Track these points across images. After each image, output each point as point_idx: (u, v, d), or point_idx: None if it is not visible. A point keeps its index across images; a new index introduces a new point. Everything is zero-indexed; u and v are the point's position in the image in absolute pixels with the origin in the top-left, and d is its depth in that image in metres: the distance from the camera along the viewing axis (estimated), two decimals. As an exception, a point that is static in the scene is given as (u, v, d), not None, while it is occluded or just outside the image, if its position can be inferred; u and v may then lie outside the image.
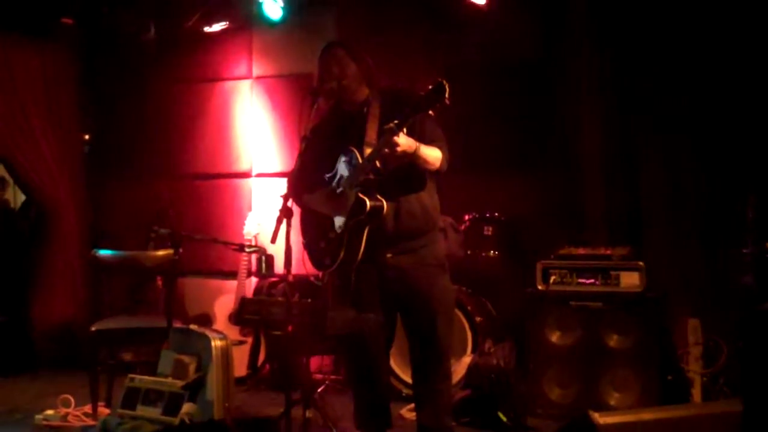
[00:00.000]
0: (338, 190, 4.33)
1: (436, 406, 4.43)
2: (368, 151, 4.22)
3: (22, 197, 8.19)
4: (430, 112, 3.93)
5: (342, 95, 4.40)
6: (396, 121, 3.97)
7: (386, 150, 4.02)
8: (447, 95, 3.81)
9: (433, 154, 4.24)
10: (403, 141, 4.03)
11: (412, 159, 4.16)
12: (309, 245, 4.52)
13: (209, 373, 4.73)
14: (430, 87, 3.85)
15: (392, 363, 5.52)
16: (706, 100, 5.67)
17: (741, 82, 5.53)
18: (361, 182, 4.20)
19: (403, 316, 4.49)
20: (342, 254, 4.25)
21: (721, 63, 5.59)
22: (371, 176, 4.18)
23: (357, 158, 4.25)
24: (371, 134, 4.28)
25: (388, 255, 4.31)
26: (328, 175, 4.42)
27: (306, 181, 4.38)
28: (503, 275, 6.16)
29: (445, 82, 3.82)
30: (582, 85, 6.16)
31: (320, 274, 4.61)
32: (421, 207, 4.34)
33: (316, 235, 4.44)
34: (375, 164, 4.15)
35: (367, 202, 4.15)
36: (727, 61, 5.57)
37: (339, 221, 4.29)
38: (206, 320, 6.70)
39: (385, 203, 4.20)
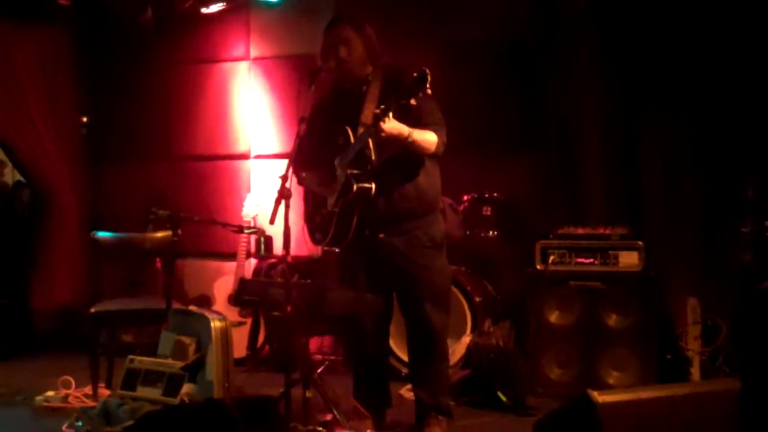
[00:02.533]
0: (330, 170, 4.34)
1: (433, 386, 4.46)
2: (361, 131, 4.23)
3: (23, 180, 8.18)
4: (412, 101, 3.91)
5: (345, 74, 4.39)
6: (382, 107, 3.98)
7: (372, 136, 4.03)
8: (428, 84, 3.80)
9: (427, 138, 4.23)
10: (390, 126, 4.01)
11: (405, 144, 4.15)
12: (306, 218, 4.57)
13: (209, 353, 4.74)
14: (414, 74, 3.85)
15: (391, 343, 5.54)
16: (705, 80, 5.65)
17: (740, 61, 5.51)
18: (350, 163, 4.21)
19: (397, 297, 4.50)
20: (331, 232, 4.29)
21: (720, 42, 5.57)
22: (361, 158, 4.18)
23: (350, 138, 4.25)
24: (367, 114, 4.28)
25: (381, 236, 4.32)
26: (325, 153, 4.42)
27: (305, 158, 4.38)
28: (502, 255, 6.17)
29: (428, 71, 3.81)
30: (581, 65, 6.14)
31: (315, 251, 4.66)
32: (416, 189, 4.34)
33: (314, 209, 4.50)
34: (364, 146, 4.14)
35: (354, 185, 4.17)
36: (726, 40, 5.54)
37: (331, 199, 4.31)
38: (205, 301, 6.71)
39: (373, 186, 4.19)
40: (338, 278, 4.55)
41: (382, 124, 3.96)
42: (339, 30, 4.39)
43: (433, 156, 4.34)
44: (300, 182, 4.57)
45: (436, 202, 4.50)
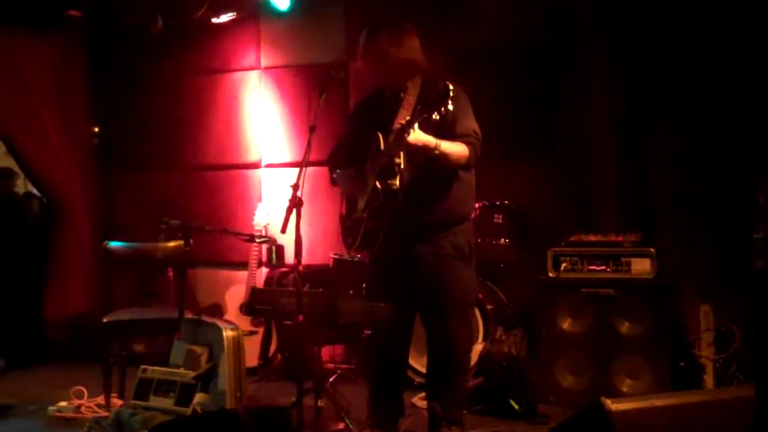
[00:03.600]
0: (362, 173, 4.35)
1: (448, 398, 4.45)
2: (391, 138, 4.23)
3: (33, 190, 8.21)
4: (435, 115, 3.91)
5: (381, 83, 4.42)
6: (408, 119, 3.98)
7: (397, 147, 4.03)
8: (450, 99, 3.83)
9: (456, 151, 4.22)
10: (415, 138, 4.02)
11: (432, 155, 4.14)
12: (341, 220, 4.59)
13: (221, 363, 4.75)
14: (438, 89, 3.86)
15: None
16: (716, 84, 5.63)
17: (751, 67, 5.50)
18: (378, 170, 4.21)
19: (419, 306, 4.48)
20: (360, 238, 4.32)
21: (731, 46, 5.55)
22: (389, 167, 4.18)
23: (380, 144, 4.25)
24: (400, 121, 4.27)
25: (408, 244, 4.32)
26: (358, 155, 4.45)
27: (341, 157, 4.43)
28: (514, 263, 6.15)
29: (450, 86, 3.83)
30: (591, 71, 6.13)
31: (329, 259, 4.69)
32: (446, 201, 4.34)
33: (347, 212, 4.52)
34: (393, 156, 4.14)
35: (380, 194, 4.17)
36: (737, 44, 5.53)
37: (360, 204, 4.32)
38: (217, 311, 6.72)
39: (400, 195, 4.18)
40: (367, 289, 4.58)
41: (406, 135, 3.97)
42: (373, 41, 4.34)
43: (464, 168, 4.34)
44: (333, 182, 4.63)
45: (466, 212, 4.49)
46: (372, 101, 4.56)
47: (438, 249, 4.34)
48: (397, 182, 4.17)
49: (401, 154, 4.14)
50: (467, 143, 4.26)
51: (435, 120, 3.96)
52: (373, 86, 4.56)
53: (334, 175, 4.60)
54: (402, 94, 4.37)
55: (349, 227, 4.45)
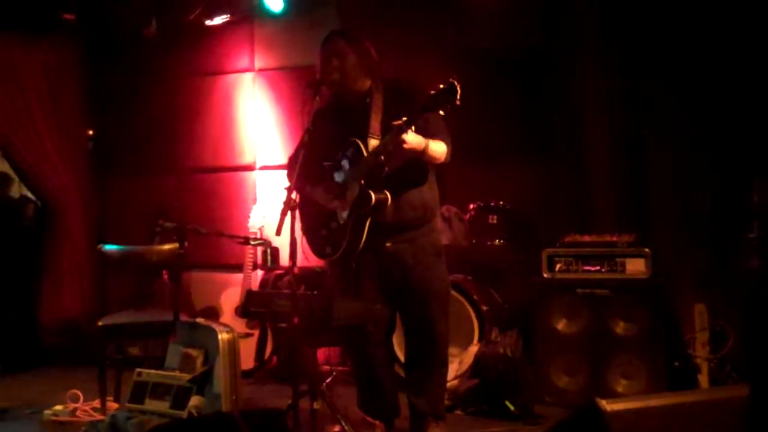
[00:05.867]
0: (341, 181, 4.33)
1: (432, 393, 4.47)
2: (372, 143, 4.23)
3: (28, 194, 8.20)
4: (441, 112, 3.89)
5: (342, 86, 4.39)
6: (405, 119, 3.96)
7: (393, 147, 4.02)
8: (458, 96, 3.78)
9: (439, 149, 4.25)
10: (411, 138, 4.03)
11: (420, 155, 4.17)
12: (308, 233, 4.53)
13: (216, 366, 4.75)
14: (442, 86, 3.81)
15: (396, 349, 5.51)
16: (711, 86, 5.64)
17: (746, 66, 5.51)
18: (365, 175, 4.20)
19: (400, 304, 4.48)
20: (345, 244, 4.27)
21: (726, 48, 5.56)
22: (376, 170, 4.18)
23: (361, 150, 4.24)
24: (374, 126, 4.29)
25: (388, 244, 4.33)
26: (328, 164, 4.42)
27: (308, 170, 4.35)
28: (509, 264, 6.15)
29: (456, 82, 3.78)
30: (587, 73, 6.14)
31: (321, 262, 4.64)
32: (421, 199, 4.37)
33: (318, 223, 4.46)
34: (380, 158, 4.14)
35: (372, 196, 4.16)
36: (732, 45, 5.54)
37: (342, 212, 4.30)
38: (213, 313, 6.72)
39: (389, 196, 4.20)
40: (341, 287, 4.52)
41: (404, 135, 3.97)
42: (332, 42, 4.39)
43: (441, 165, 4.36)
44: (301, 194, 4.49)
45: (436, 211, 4.54)
46: (332, 113, 4.50)
47: (418, 248, 4.37)
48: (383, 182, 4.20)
49: (386, 155, 4.13)
50: (443, 140, 4.28)
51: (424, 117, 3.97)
52: (328, 99, 4.52)
53: (308, 190, 4.50)
54: (368, 100, 4.38)
55: (326, 237, 4.40)
